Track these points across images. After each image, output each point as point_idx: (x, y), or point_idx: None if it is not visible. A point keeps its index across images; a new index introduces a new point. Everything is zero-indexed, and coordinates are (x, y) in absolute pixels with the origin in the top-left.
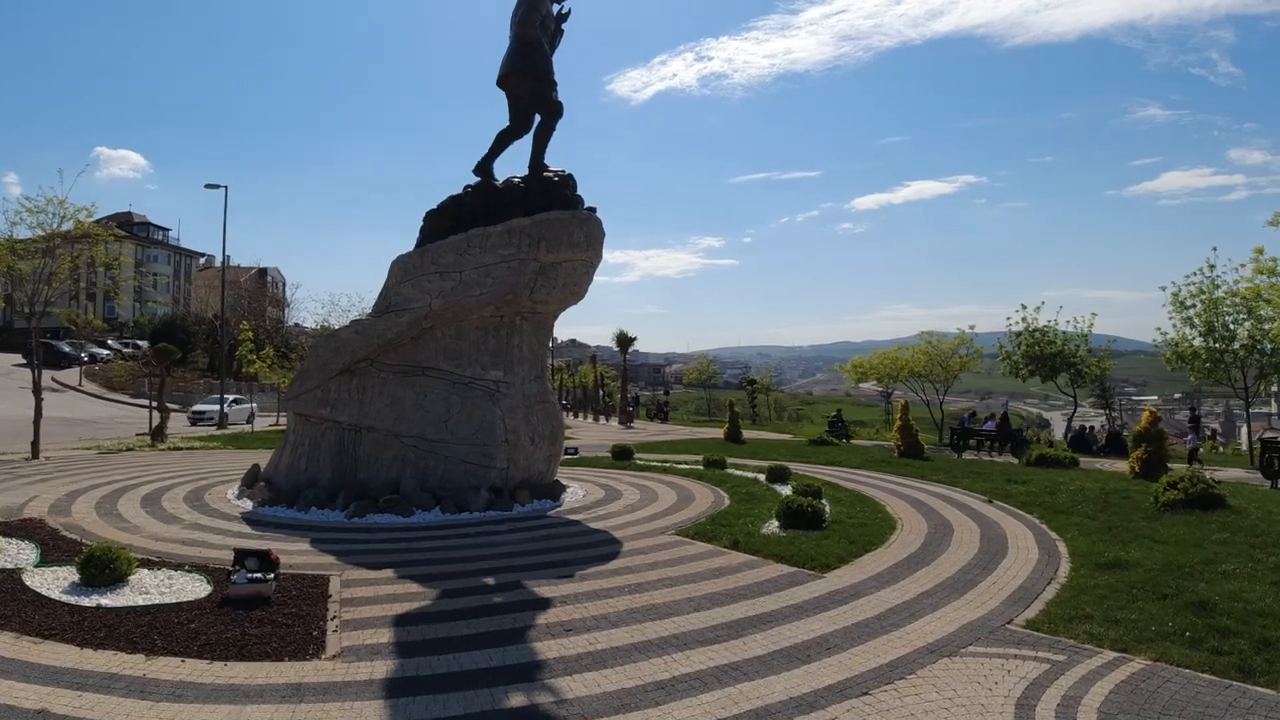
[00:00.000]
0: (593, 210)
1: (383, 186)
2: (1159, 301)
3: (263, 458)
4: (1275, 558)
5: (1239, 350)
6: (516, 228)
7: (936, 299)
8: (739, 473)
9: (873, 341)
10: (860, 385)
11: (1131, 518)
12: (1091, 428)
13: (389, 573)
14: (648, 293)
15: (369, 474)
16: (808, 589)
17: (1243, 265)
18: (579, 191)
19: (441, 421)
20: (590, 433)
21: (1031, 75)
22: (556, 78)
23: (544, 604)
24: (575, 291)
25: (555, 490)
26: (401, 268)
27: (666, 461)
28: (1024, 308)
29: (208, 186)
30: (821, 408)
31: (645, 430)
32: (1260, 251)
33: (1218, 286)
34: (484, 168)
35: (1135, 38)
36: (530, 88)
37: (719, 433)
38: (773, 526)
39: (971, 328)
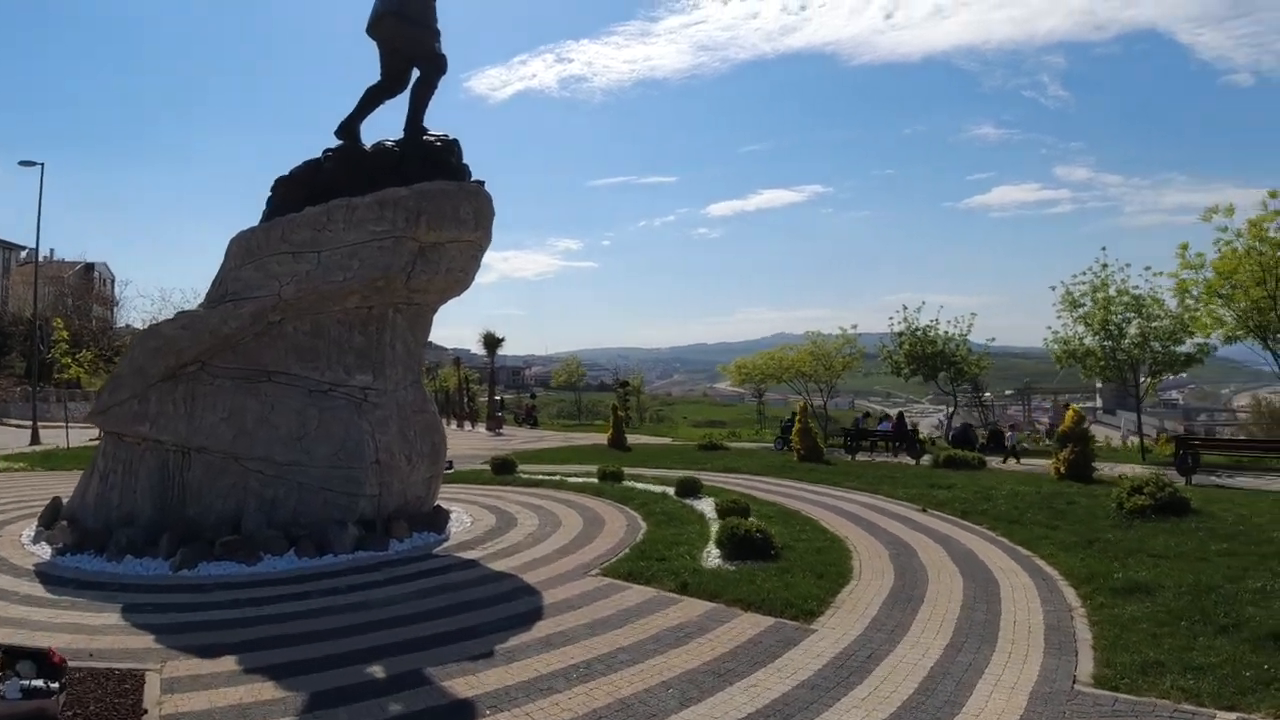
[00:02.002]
0: (481, 184)
1: (233, 175)
2: (990, 305)
3: (75, 484)
4: None
5: (1130, 347)
6: (390, 199)
7: (789, 302)
8: (641, 486)
9: (727, 343)
10: (715, 386)
11: (1099, 527)
12: (972, 425)
13: (230, 663)
14: (506, 294)
15: (201, 508)
16: (807, 651)
17: (1127, 265)
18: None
19: (294, 439)
20: (458, 441)
21: (876, 93)
22: (440, 26)
23: (466, 713)
24: (460, 279)
25: (439, 519)
26: (243, 246)
27: (554, 474)
28: (905, 308)
29: (21, 164)
30: (682, 409)
31: (516, 437)
32: (1185, 247)
33: (1108, 285)
34: (348, 129)
35: (973, 60)
36: (408, 35)
37: (597, 438)
38: (714, 557)
39: (854, 327)
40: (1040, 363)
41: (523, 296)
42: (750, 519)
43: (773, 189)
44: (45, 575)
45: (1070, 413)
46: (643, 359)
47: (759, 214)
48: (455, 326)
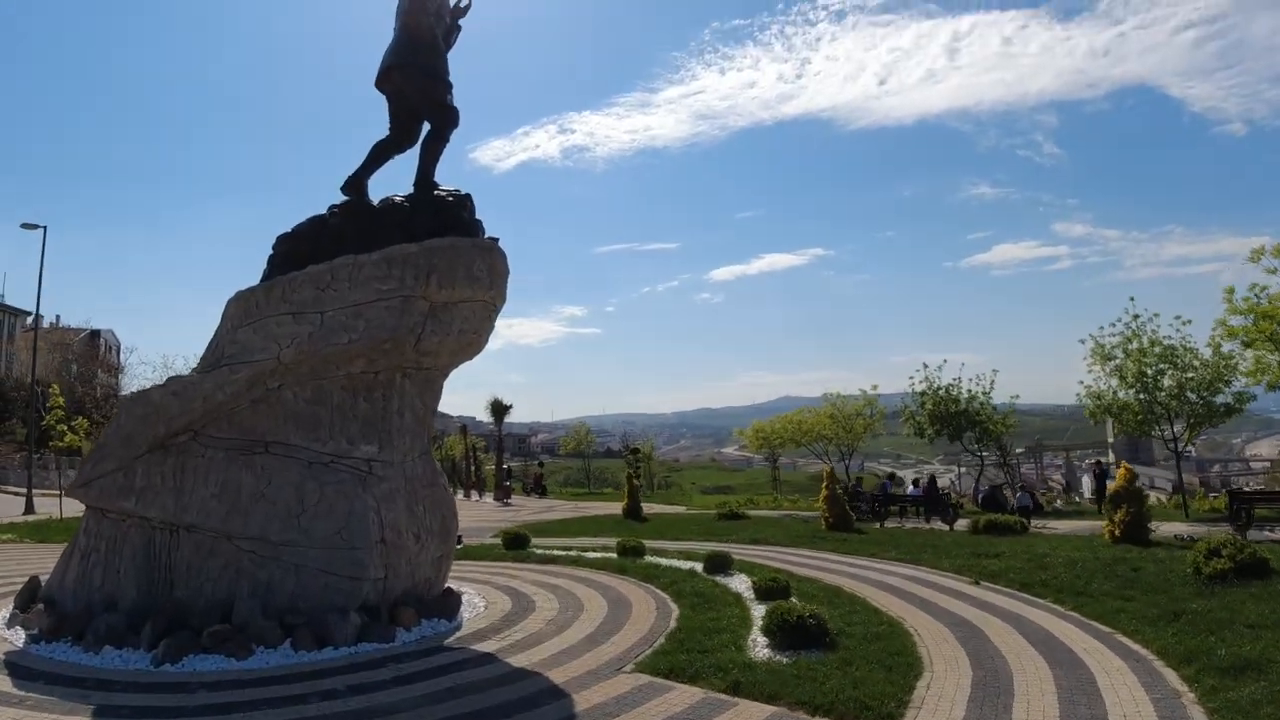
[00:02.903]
0: (495, 240)
1: (235, 241)
2: (994, 363)
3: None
4: None
5: (1166, 399)
6: (399, 256)
7: (793, 365)
8: (666, 562)
9: (733, 407)
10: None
11: (1179, 596)
12: (1000, 486)
13: None
14: (511, 361)
15: (189, 592)
16: None
17: (1156, 315)
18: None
19: (292, 516)
20: (466, 512)
21: (873, 156)
22: (451, 79)
23: None
24: (473, 341)
25: (449, 603)
26: (241, 307)
27: (570, 549)
28: (925, 366)
29: (24, 226)
30: (689, 474)
31: (525, 507)
32: (1231, 291)
33: (1140, 336)
34: (355, 184)
35: (966, 122)
36: (418, 87)
37: (609, 507)
38: (762, 647)
39: (875, 388)
40: (1049, 419)
41: (528, 363)
42: (794, 600)
43: (773, 253)
44: (14, 666)
45: (1123, 471)
46: (648, 424)
47: (760, 278)
48: (461, 394)
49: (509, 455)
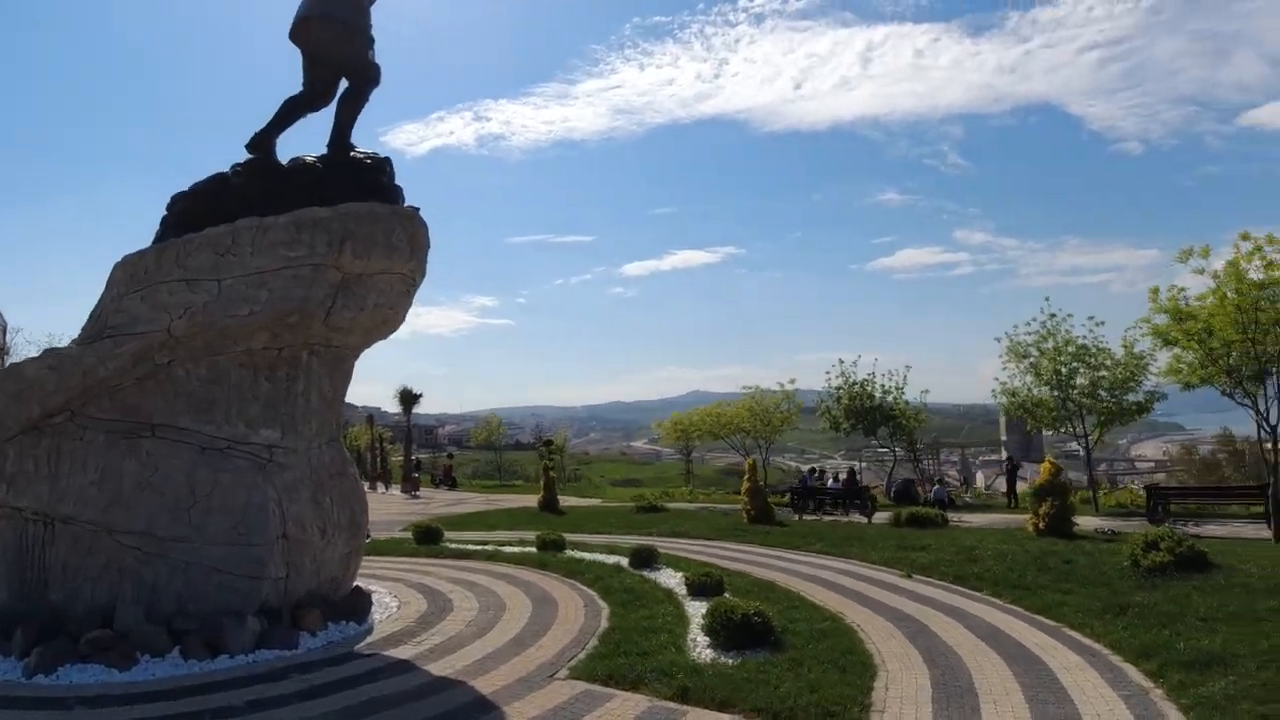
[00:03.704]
0: (416, 209)
1: (131, 216)
2: (894, 363)
3: None
4: None
5: (1079, 397)
6: (309, 220)
7: (704, 360)
8: (588, 556)
9: (644, 401)
10: (632, 444)
11: (1121, 589)
12: (913, 481)
13: None
14: (420, 351)
15: (66, 594)
16: None
17: (1070, 316)
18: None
19: (182, 509)
20: (373, 505)
21: (787, 159)
22: (374, 33)
23: None
24: (389, 318)
25: (359, 604)
26: (128, 272)
27: (485, 542)
28: (841, 362)
29: None
30: (599, 467)
31: (435, 499)
32: (1156, 291)
33: (1055, 335)
34: (263, 142)
35: (877, 130)
36: (337, 40)
37: (523, 500)
38: (704, 647)
39: (792, 382)
40: (946, 418)
41: (437, 354)
42: (729, 596)
43: (687, 250)
44: None
45: (1047, 465)
46: (558, 417)
47: (674, 274)
48: (366, 383)
49: (417, 446)
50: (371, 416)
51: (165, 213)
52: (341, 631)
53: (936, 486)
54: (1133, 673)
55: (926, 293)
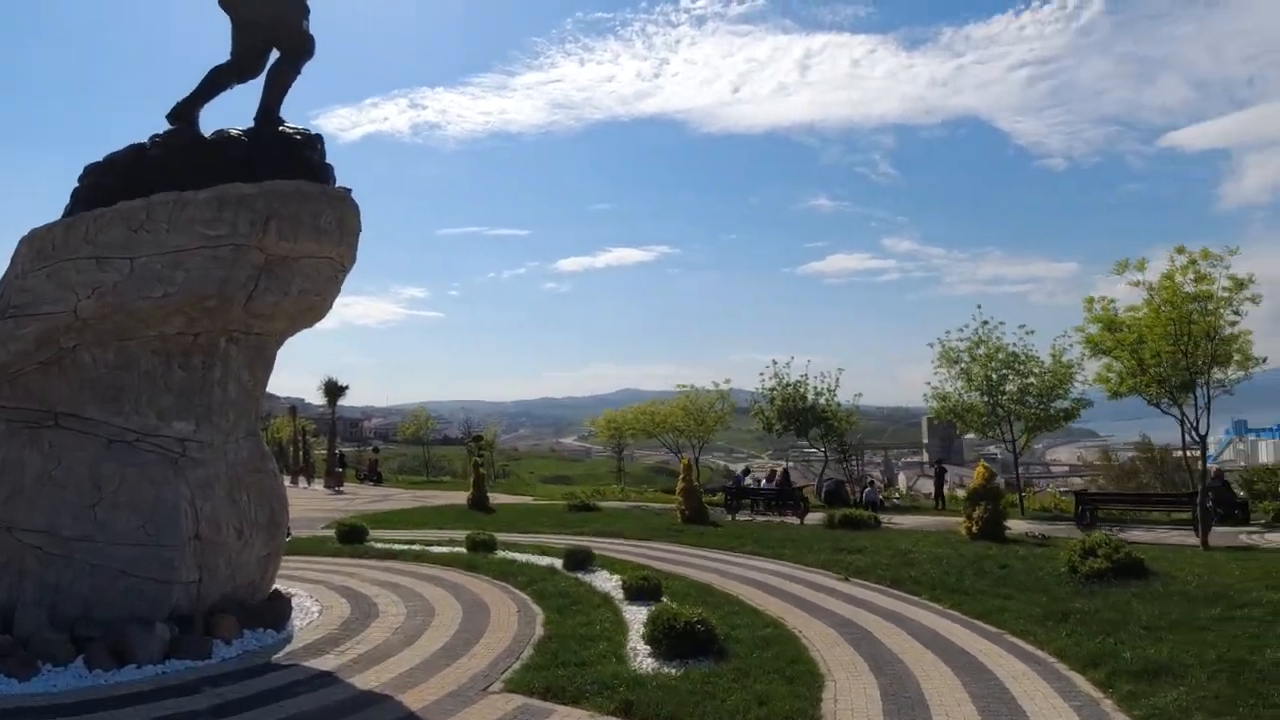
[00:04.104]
0: (348, 191)
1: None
2: (828, 366)
3: None
4: None
5: (1008, 403)
6: (233, 196)
7: (636, 359)
8: (520, 557)
9: (575, 398)
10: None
11: (1059, 595)
12: (843, 482)
13: None
14: (346, 341)
15: None
16: None
17: (1002, 323)
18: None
19: (87, 506)
20: (294, 501)
21: (723, 161)
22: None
23: None
24: (315, 305)
25: (278, 610)
26: (34, 247)
27: (413, 542)
28: (775, 363)
29: None
30: (528, 463)
31: (360, 495)
32: (1091, 301)
33: (985, 341)
34: (185, 113)
35: (812, 137)
36: (271, 7)
37: (451, 497)
38: (645, 655)
39: (728, 381)
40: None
41: (363, 344)
42: (667, 601)
43: (622, 247)
44: None
45: (980, 470)
46: (488, 412)
47: (608, 271)
48: (289, 373)
49: (341, 440)
50: (294, 408)
51: (76, 185)
52: (259, 640)
53: (868, 488)
54: (1081, 682)
55: (855, 298)
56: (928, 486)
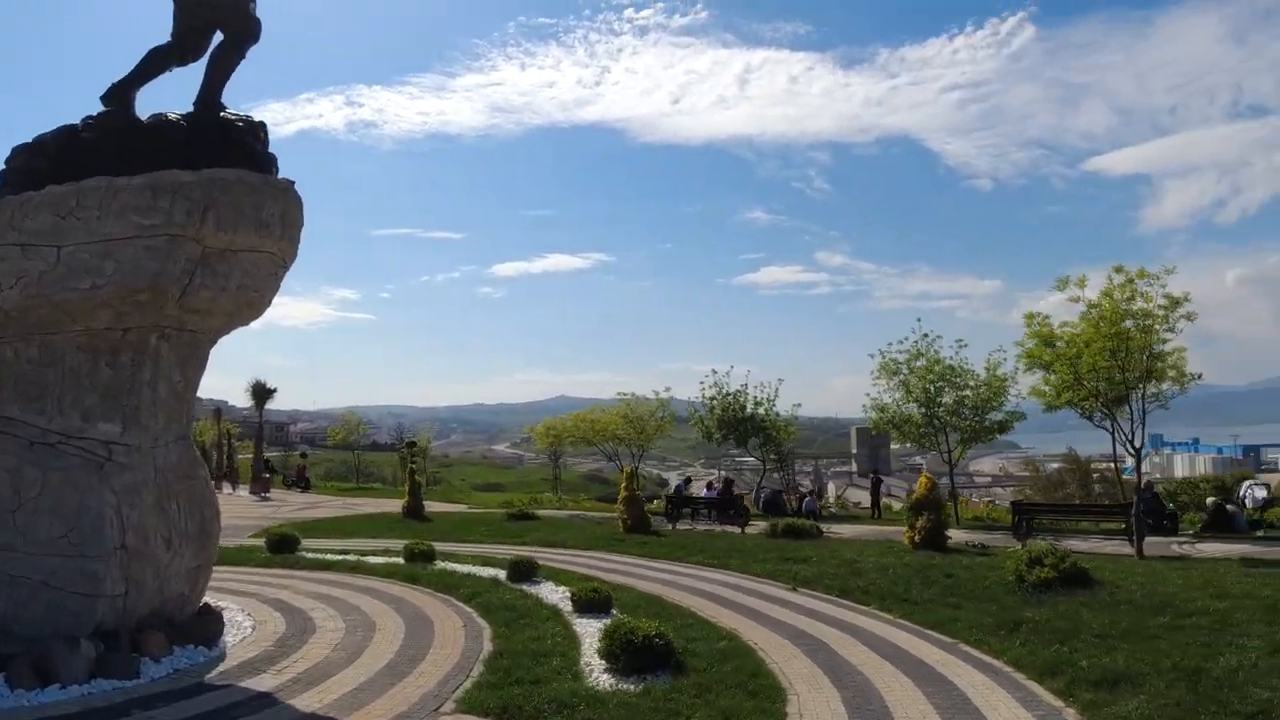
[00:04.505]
0: (291, 182)
1: None
2: (761, 376)
3: None
4: (1258, 640)
5: (945, 415)
6: (169, 184)
7: (570, 366)
8: (462, 568)
9: (508, 404)
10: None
11: (1009, 605)
12: (780, 492)
13: None
14: (273, 342)
15: None
16: None
17: (939, 337)
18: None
19: (7, 512)
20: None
21: (661, 171)
22: None
23: None
24: (254, 301)
25: (209, 625)
26: None
27: (347, 552)
28: (715, 372)
29: None
30: (460, 470)
31: (287, 502)
32: (1031, 317)
33: (924, 354)
34: (120, 94)
35: (749, 150)
36: None
37: (383, 504)
38: (601, 671)
39: (667, 389)
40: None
41: (291, 346)
42: (618, 613)
43: (558, 254)
44: None
45: (924, 480)
46: (419, 417)
47: (544, 277)
48: (212, 374)
49: (266, 444)
50: (219, 410)
51: (3, 167)
52: (189, 658)
53: (808, 498)
54: (1041, 691)
55: (788, 309)
56: (856, 495)
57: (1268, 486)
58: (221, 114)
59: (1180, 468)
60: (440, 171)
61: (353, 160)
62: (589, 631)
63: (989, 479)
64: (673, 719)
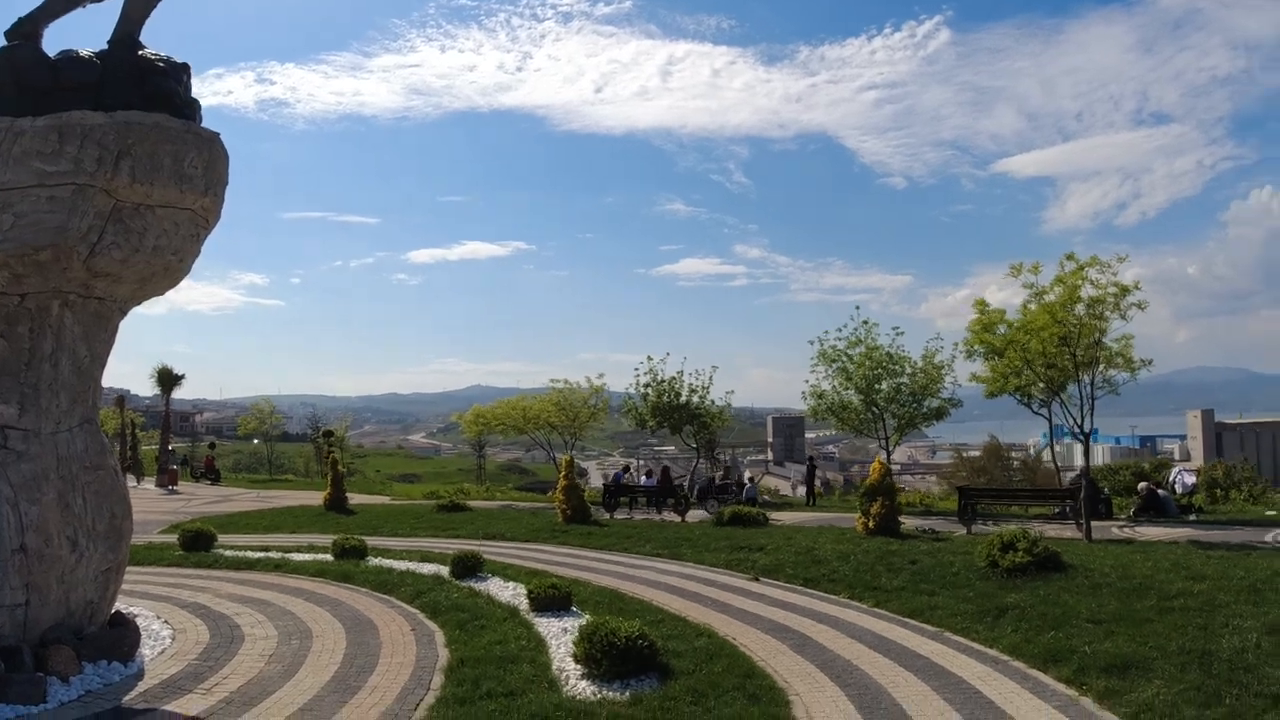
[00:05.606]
0: (216, 134)
1: None
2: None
3: None
4: (1252, 621)
5: (883, 402)
6: (77, 127)
7: (486, 355)
8: (399, 564)
9: (423, 393)
10: (410, 437)
11: (985, 590)
12: (713, 479)
13: None
14: (177, 329)
15: None
16: None
17: (876, 325)
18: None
19: None
20: None
21: (581, 160)
22: None
23: None
24: (172, 266)
25: (124, 638)
26: None
27: (268, 548)
28: (650, 359)
29: None
30: (375, 461)
31: (197, 496)
32: (982, 304)
33: (863, 342)
34: (25, 30)
35: (670, 142)
36: None
37: (301, 497)
38: (578, 678)
39: (600, 377)
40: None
41: (196, 333)
42: (578, 610)
43: (476, 241)
44: None
45: (877, 465)
46: (331, 407)
47: (461, 264)
48: (110, 359)
49: (172, 435)
50: (123, 398)
51: None
52: (103, 676)
53: (749, 485)
54: (1049, 681)
55: (706, 301)
56: (772, 483)
57: (1197, 473)
58: (140, 53)
59: (1080, 457)
60: (354, 154)
61: (262, 140)
62: (553, 632)
63: (898, 466)
64: None
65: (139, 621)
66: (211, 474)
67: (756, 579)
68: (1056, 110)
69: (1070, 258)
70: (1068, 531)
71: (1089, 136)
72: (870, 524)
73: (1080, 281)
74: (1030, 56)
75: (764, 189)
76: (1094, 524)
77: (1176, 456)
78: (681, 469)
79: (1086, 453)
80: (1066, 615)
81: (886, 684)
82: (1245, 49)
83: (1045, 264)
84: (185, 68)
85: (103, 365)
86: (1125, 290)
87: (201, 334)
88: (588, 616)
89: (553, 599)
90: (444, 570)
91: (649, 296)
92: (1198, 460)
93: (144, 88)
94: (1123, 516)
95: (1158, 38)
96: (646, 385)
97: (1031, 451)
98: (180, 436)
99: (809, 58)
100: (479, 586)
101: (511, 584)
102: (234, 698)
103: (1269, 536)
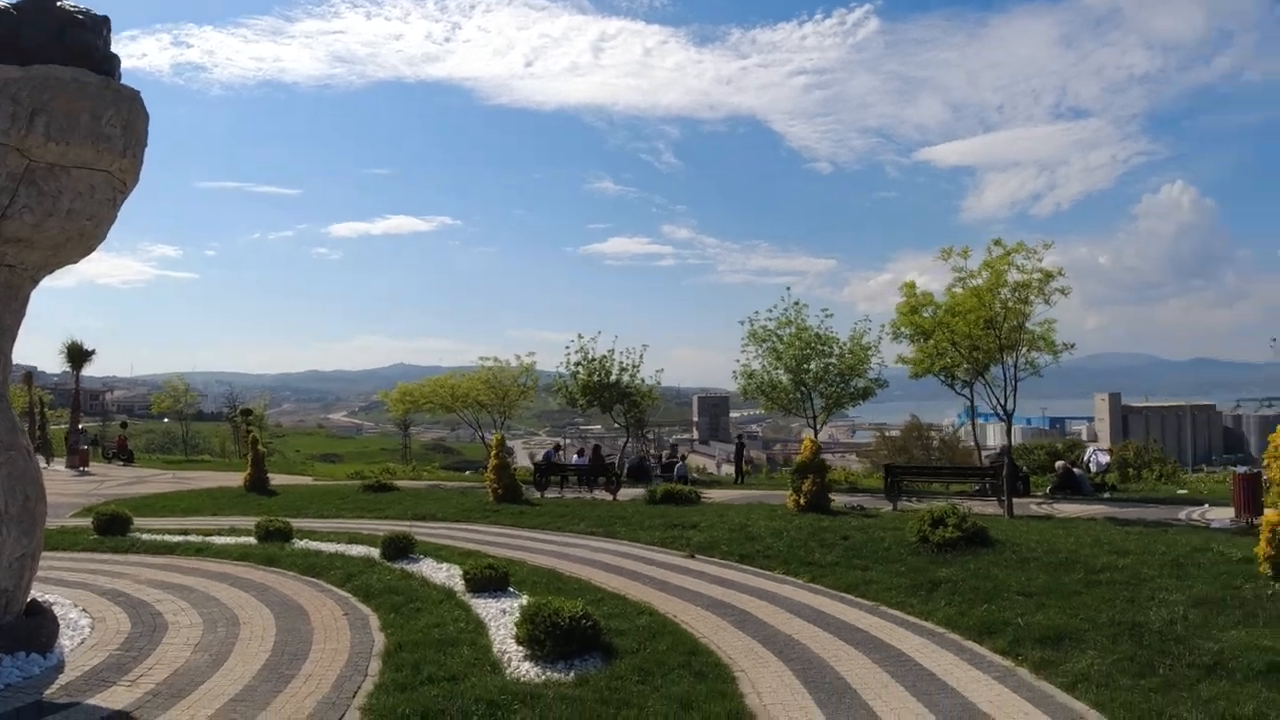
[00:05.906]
0: (137, 92)
1: None
2: (607, 345)
3: None
4: (1178, 594)
5: (811, 381)
6: None
7: (410, 332)
8: (327, 547)
9: (345, 371)
10: (330, 416)
11: (917, 565)
12: (644, 458)
13: None
14: (85, 303)
15: None
16: None
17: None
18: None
19: None
20: None
21: (510, 134)
22: None
23: None
24: (87, 232)
25: (42, 628)
26: None
27: (188, 531)
28: (581, 337)
29: None
30: (294, 440)
31: (110, 477)
32: (912, 286)
33: (793, 322)
34: None
35: (601, 120)
36: None
37: (221, 478)
38: (521, 660)
39: (531, 354)
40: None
41: (105, 307)
42: (515, 590)
43: (401, 215)
44: None
45: (807, 443)
46: (248, 385)
47: (385, 239)
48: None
49: (82, 414)
50: (30, 375)
51: None
52: (21, 669)
53: (679, 463)
54: (985, 652)
55: (634, 280)
56: (698, 461)
57: (1110, 451)
58: (58, 3)
59: (993, 437)
60: (274, 122)
61: (177, 105)
62: (492, 613)
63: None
64: (626, 710)
65: (56, 610)
66: (124, 454)
67: (692, 556)
68: (979, 102)
69: (998, 243)
70: (989, 508)
71: (1009, 128)
72: (802, 501)
73: (1006, 266)
74: (956, 48)
75: (693, 170)
76: (1014, 501)
77: (1085, 437)
78: (609, 448)
79: (1009, 432)
80: (998, 589)
81: (829, 658)
82: (1163, 49)
83: (973, 249)
84: (105, 21)
85: (13, 338)
86: (1049, 276)
87: (111, 308)
88: (526, 597)
89: (490, 580)
90: (374, 552)
91: (577, 275)
92: (1105, 441)
93: (62, 40)
94: (1040, 494)
95: (1079, 34)
96: (578, 364)
97: (949, 431)
98: (91, 415)
99: (740, 40)
100: (412, 568)
101: (445, 565)
102: (161, 690)
103: (1182, 514)
